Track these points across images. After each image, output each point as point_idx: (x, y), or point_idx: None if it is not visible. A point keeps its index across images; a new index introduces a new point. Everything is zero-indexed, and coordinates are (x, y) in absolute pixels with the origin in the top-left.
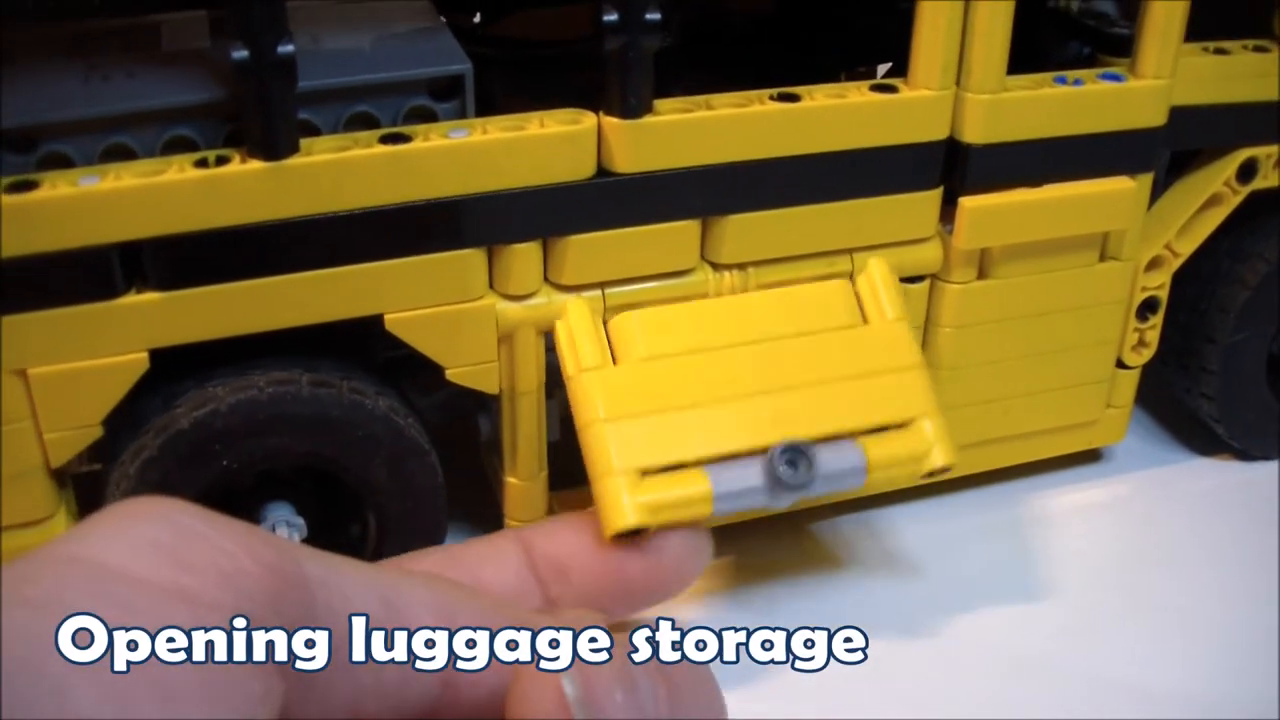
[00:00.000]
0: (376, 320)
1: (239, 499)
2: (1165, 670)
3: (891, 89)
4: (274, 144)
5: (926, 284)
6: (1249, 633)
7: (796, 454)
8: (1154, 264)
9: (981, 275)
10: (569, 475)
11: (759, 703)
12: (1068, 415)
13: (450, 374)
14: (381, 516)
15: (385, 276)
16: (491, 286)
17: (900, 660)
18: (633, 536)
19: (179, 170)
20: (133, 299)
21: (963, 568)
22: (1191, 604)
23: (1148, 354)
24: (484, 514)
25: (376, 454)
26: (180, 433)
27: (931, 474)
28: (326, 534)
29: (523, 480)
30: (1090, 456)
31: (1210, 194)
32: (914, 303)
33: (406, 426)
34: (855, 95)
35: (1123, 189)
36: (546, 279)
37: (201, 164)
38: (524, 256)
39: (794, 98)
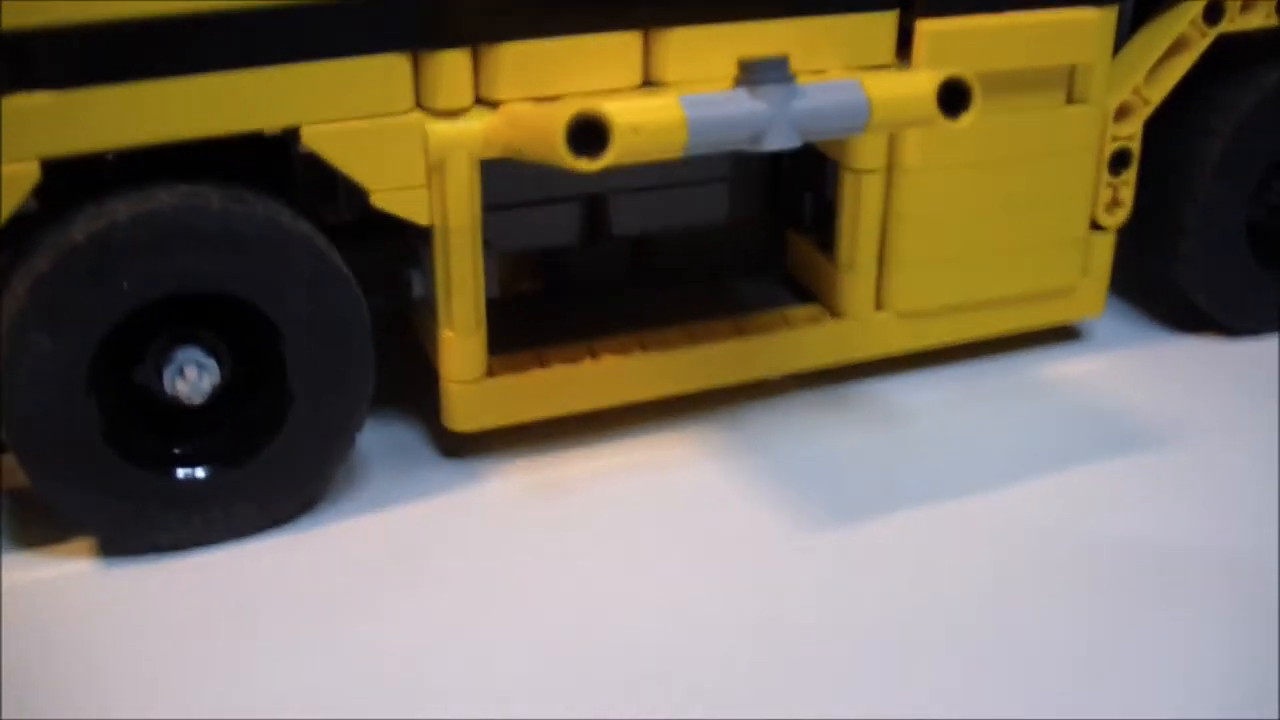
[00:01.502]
0: (292, 150)
1: (145, 342)
2: (1167, 526)
3: None
4: None
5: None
6: (1253, 483)
7: (773, 67)
8: (1123, 112)
9: None
10: (510, 339)
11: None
12: (1042, 279)
13: (376, 199)
14: (302, 354)
15: (299, 82)
16: (419, 104)
17: (891, 528)
18: None
19: None
20: (21, 100)
21: (948, 431)
22: (1190, 462)
23: (1122, 215)
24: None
25: (293, 278)
26: (74, 248)
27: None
28: (242, 387)
29: (459, 334)
30: (1069, 335)
31: (1177, 35)
32: (872, 146)
33: (327, 251)
34: None
35: (1088, 18)
36: (479, 98)
37: None
38: (451, 67)
39: None
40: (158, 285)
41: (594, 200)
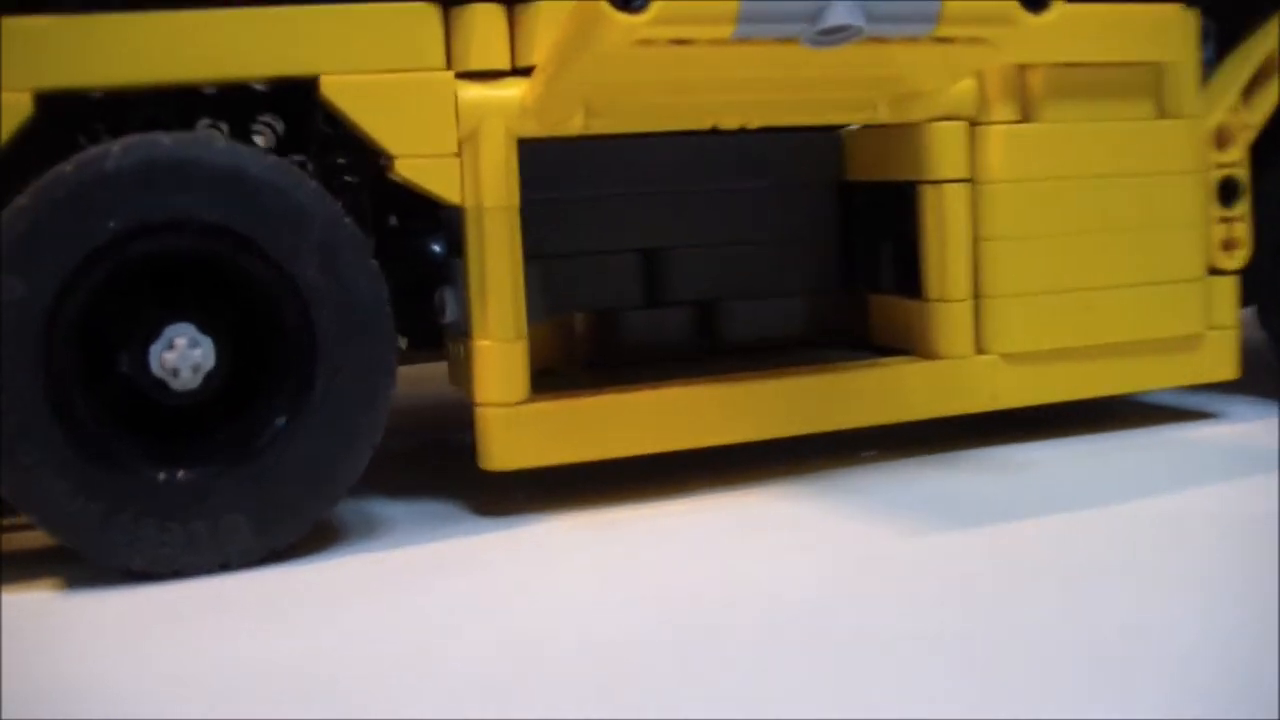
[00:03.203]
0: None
1: (135, 313)
2: None
3: None
4: None
5: (962, 127)
6: None
7: None
8: (1224, 136)
9: (1025, 118)
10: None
11: None
12: (1161, 323)
13: (400, 166)
14: (311, 338)
15: (318, 25)
16: (450, 65)
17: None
18: None
19: None
20: (18, 22)
21: (1067, 475)
22: None
23: (1241, 255)
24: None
25: (304, 234)
26: (61, 176)
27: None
28: (242, 364)
29: (496, 343)
30: (1208, 416)
31: (1267, 53)
32: (950, 153)
33: (343, 214)
34: None
35: (1170, 13)
36: (515, 66)
37: None
38: (485, 20)
39: None
40: (150, 232)
41: (654, 257)
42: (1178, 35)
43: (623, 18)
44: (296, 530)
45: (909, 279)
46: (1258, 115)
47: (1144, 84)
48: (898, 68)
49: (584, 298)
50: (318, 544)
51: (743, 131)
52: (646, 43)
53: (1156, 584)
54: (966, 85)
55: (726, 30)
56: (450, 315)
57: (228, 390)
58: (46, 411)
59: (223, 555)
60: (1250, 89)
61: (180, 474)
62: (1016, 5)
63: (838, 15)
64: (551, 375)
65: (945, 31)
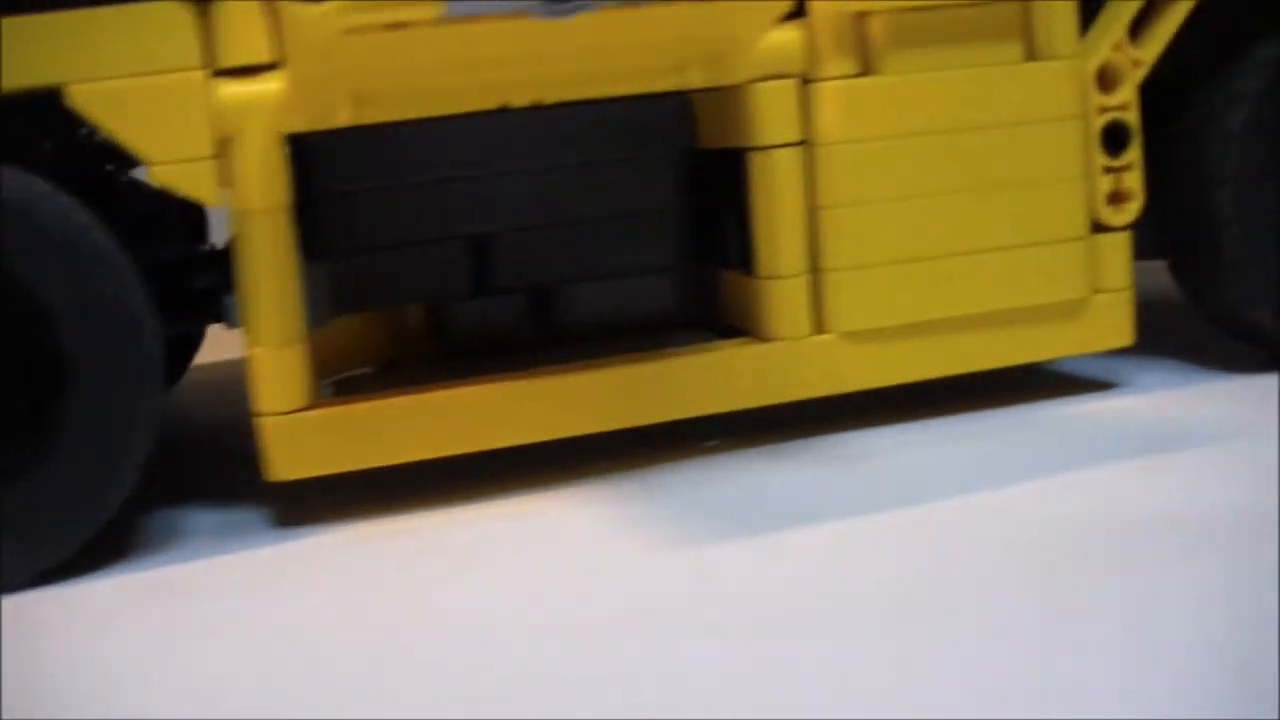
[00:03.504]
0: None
1: None
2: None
3: None
4: None
5: (791, 85)
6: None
7: None
8: (1110, 77)
9: (866, 71)
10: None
11: None
12: (1034, 289)
13: (155, 173)
14: (62, 358)
15: (62, 32)
16: (208, 63)
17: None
18: None
19: None
20: None
21: (913, 462)
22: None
23: (1132, 210)
24: None
25: (49, 256)
26: None
27: None
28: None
29: (269, 348)
30: (1097, 384)
31: None
32: (776, 110)
33: (92, 231)
34: None
35: None
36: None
37: None
38: (244, 13)
39: None
40: None
41: (481, 242)
42: None
43: (308, 10)
44: (63, 551)
45: (750, 254)
46: (1150, 51)
47: (1008, 23)
48: (678, 28)
49: (408, 290)
50: (105, 558)
51: (577, 103)
52: (357, 31)
53: (975, 592)
54: (793, 38)
55: (432, 11)
56: (233, 321)
57: None
58: None
59: None
60: (1140, 21)
61: None
62: None
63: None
64: (379, 373)
65: None
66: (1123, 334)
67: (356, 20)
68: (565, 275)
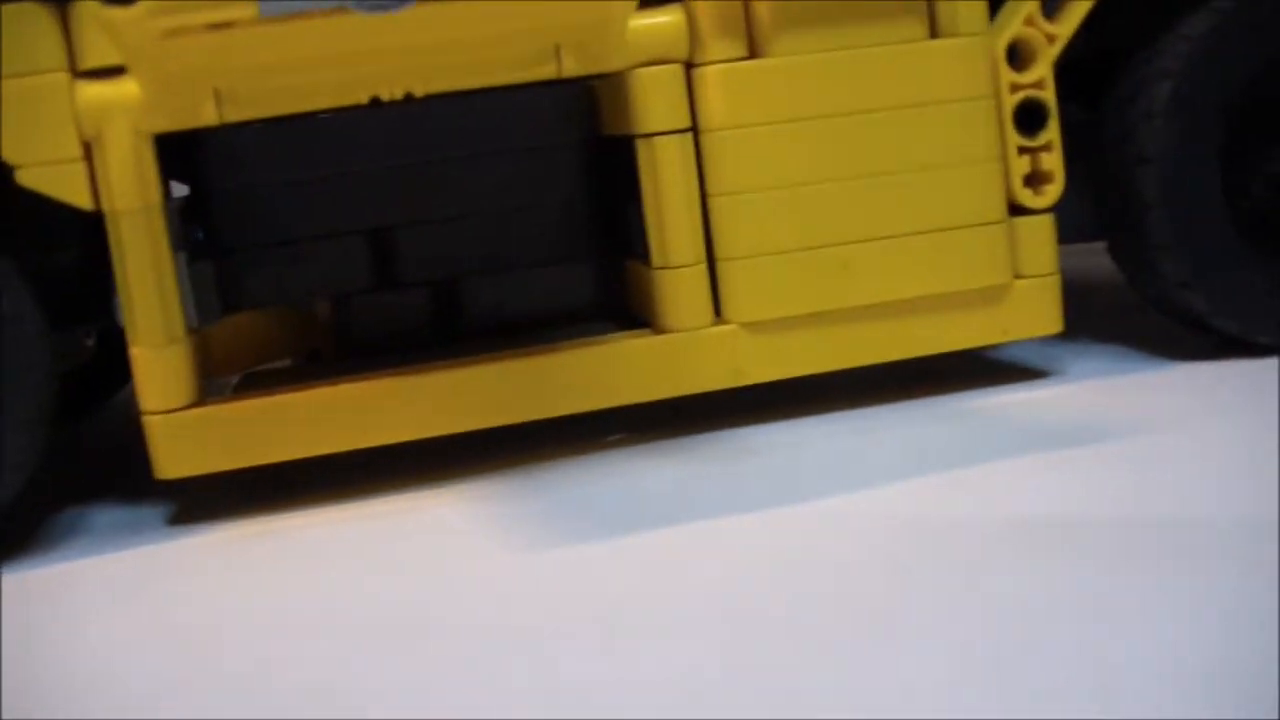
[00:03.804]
0: None
1: None
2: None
3: None
4: None
5: (674, 70)
6: None
7: None
8: (1022, 53)
9: (753, 54)
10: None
11: None
12: (946, 276)
13: (23, 176)
14: None
15: None
16: (71, 66)
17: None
18: None
19: None
20: None
21: (816, 459)
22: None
23: (1052, 192)
24: None
25: None
26: None
27: None
28: None
29: (149, 348)
30: (1029, 373)
31: None
32: (660, 97)
33: None
34: None
35: None
36: None
37: None
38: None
39: None
40: None
41: (382, 236)
42: None
43: (115, 13)
44: None
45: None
46: (1065, 26)
47: (909, 2)
48: (530, 17)
49: (307, 285)
50: None
51: (474, 92)
52: (178, 32)
53: (847, 594)
54: (673, 22)
55: (247, 11)
56: (120, 318)
57: None
58: None
59: None
60: None
61: None
62: None
63: None
64: (292, 367)
65: None
66: (1049, 321)
67: (172, 22)
68: (467, 268)
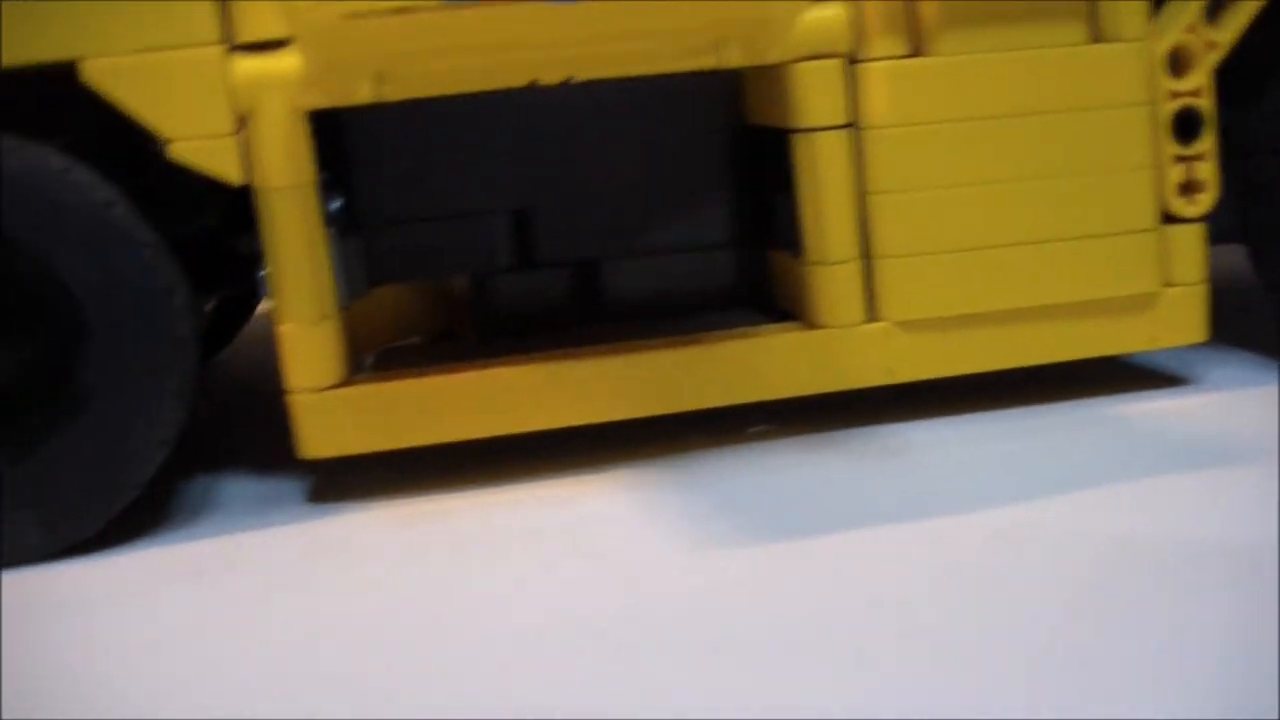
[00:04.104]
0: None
1: None
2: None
3: None
4: None
5: (836, 65)
6: None
7: None
8: (1182, 61)
9: (916, 52)
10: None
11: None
12: (1097, 282)
13: (175, 149)
14: (82, 335)
15: (79, 5)
16: (226, 38)
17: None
18: None
19: None
20: None
21: (964, 460)
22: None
23: (1206, 201)
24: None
25: (67, 232)
26: None
27: None
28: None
29: (300, 324)
30: (1175, 381)
31: None
32: (822, 94)
33: (114, 206)
34: None
35: None
36: None
37: None
38: None
39: None
40: None
41: (526, 216)
42: None
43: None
44: (88, 527)
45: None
46: (1228, 32)
47: (1071, 3)
48: (708, 10)
49: (450, 262)
50: (134, 531)
51: (620, 78)
52: (359, 15)
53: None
54: (837, 16)
55: None
56: (266, 292)
57: (14, 379)
58: None
59: (13, 552)
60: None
61: None
62: None
63: None
64: (425, 345)
65: None
66: (1196, 329)
67: (360, 7)
68: (606, 251)
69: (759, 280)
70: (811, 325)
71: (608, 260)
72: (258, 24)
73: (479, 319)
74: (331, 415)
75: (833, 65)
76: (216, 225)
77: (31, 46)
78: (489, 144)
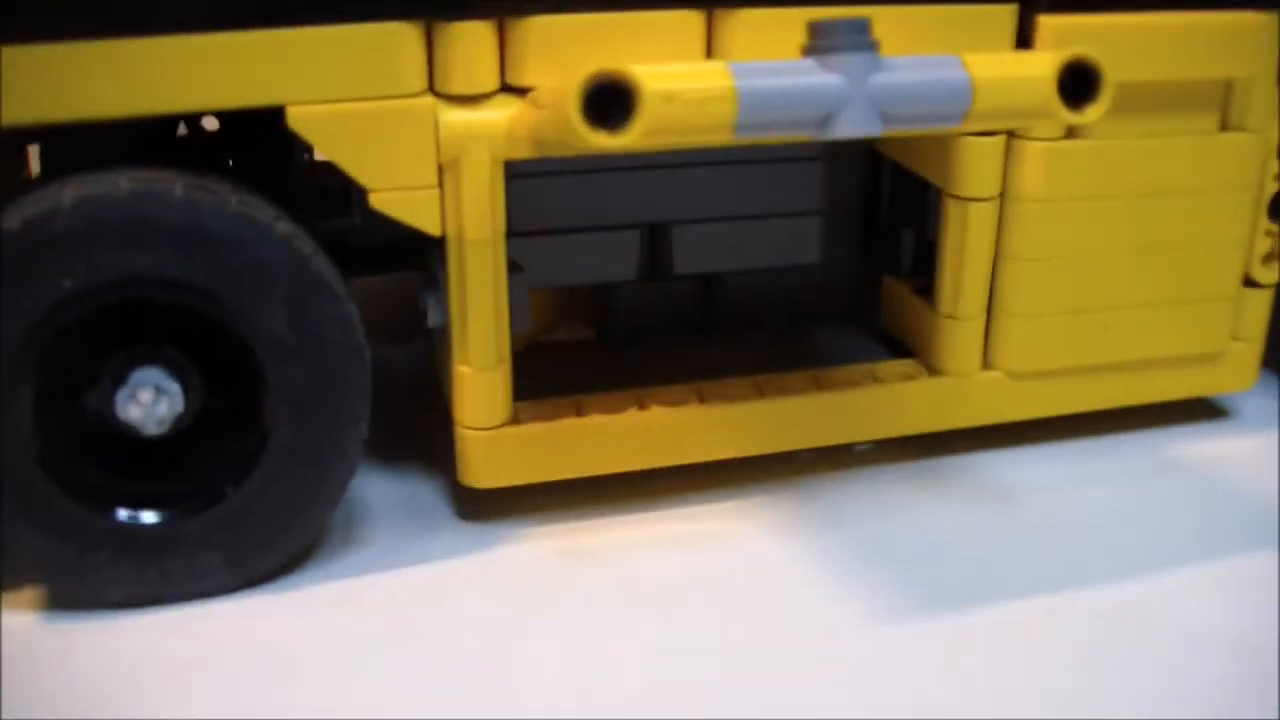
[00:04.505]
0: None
1: (99, 357)
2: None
3: None
4: None
5: (1000, 141)
6: None
7: (851, 29)
8: None
9: (1071, 133)
10: (549, 388)
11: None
12: (1184, 342)
13: (375, 200)
14: (281, 382)
15: (286, 51)
16: (432, 87)
17: (979, 621)
18: None
19: None
20: None
21: (1061, 510)
22: None
23: None
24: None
25: (270, 289)
26: (9, 236)
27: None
28: (216, 421)
29: (476, 370)
30: (1214, 412)
31: None
32: (983, 169)
33: (315, 259)
34: None
35: (1247, 23)
36: (505, 83)
37: None
38: (472, 40)
39: None
40: (105, 288)
41: (656, 231)
42: (1256, 48)
43: (600, 137)
44: (271, 563)
45: (925, 275)
46: None
47: (1211, 97)
48: None
49: (583, 272)
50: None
51: None
52: None
53: None
54: None
55: (724, 137)
56: (434, 321)
57: (201, 420)
58: (21, 461)
59: (198, 588)
60: None
61: (154, 516)
62: (1055, 97)
63: (848, 123)
64: (540, 350)
65: (973, 127)
66: (1248, 379)
67: (643, 144)
68: (734, 265)
69: (861, 295)
70: (934, 371)
71: (728, 274)
72: (471, 78)
73: (605, 324)
74: (499, 451)
75: (997, 142)
76: (353, 229)
77: (234, 90)
78: (627, 165)
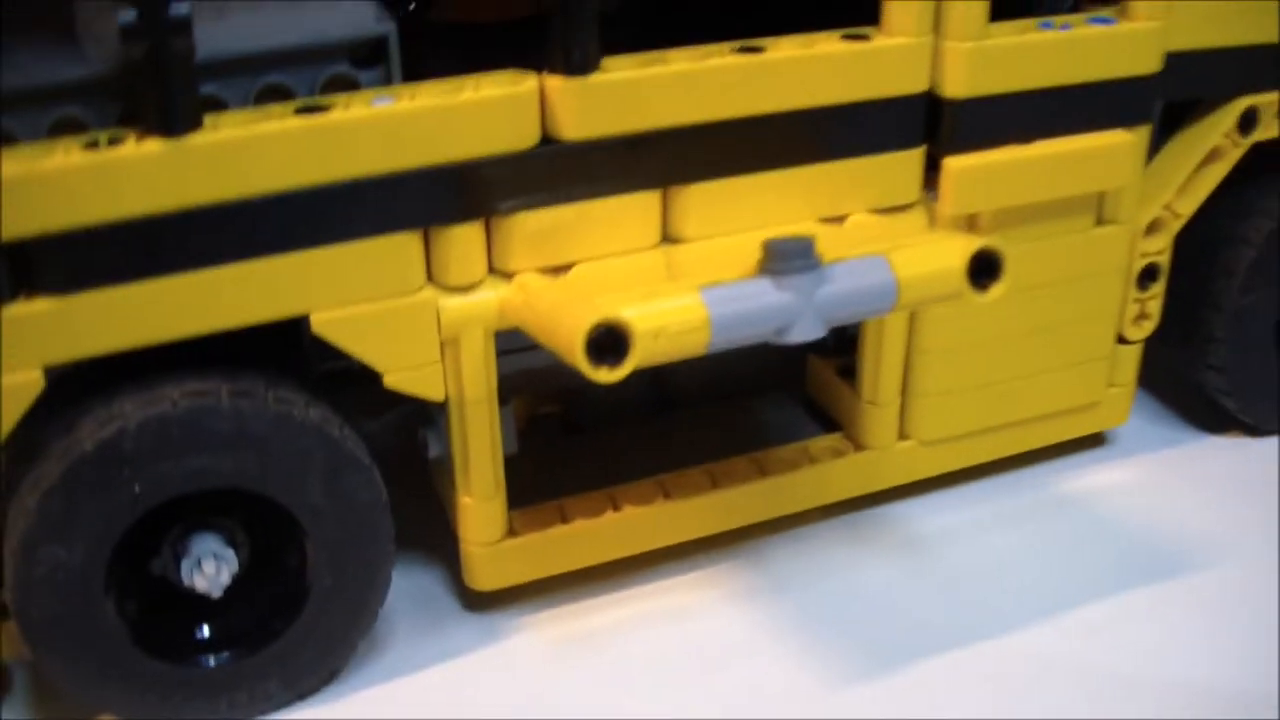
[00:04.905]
0: (303, 324)
1: (161, 529)
2: (1187, 663)
3: (863, 37)
4: (172, 119)
5: None
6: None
7: (799, 253)
8: (1154, 227)
9: None
10: (531, 490)
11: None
12: (1069, 397)
13: (388, 380)
14: (321, 541)
15: (307, 269)
16: (430, 279)
17: (915, 657)
18: None
19: (65, 154)
20: (21, 308)
21: (976, 558)
22: (1211, 592)
23: (1149, 326)
24: (437, 536)
25: (309, 470)
26: (83, 457)
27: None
28: (262, 565)
29: (478, 500)
30: (1095, 440)
31: (1210, 148)
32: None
33: (343, 439)
34: (824, 45)
35: (1119, 143)
36: (492, 268)
37: (92, 146)
38: (464, 241)
39: (757, 49)
40: (170, 488)
41: None
42: (1127, 162)
43: (600, 373)
44: (320, 680)
45: (846, 355)
46: (1188, 206)
47: (1088, 201)
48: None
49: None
50: None
51: None
52: None
53: None
54: (919, 224)
55: (699, 354)
56: (433, 452)
57: (252, 565)
58: (107, 637)
59: (259, 710)
60: (1186, 182)
61: (220, 661)
62: (965, 284)
63: (800, 332)
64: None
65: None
66: (1121, 416)
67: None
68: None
69: (792, 369)
70: (858, 445)
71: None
72: (464, 271)
73: (568, 417)
74: (500, 559)
75: None
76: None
77: (264, 306)
78: None
